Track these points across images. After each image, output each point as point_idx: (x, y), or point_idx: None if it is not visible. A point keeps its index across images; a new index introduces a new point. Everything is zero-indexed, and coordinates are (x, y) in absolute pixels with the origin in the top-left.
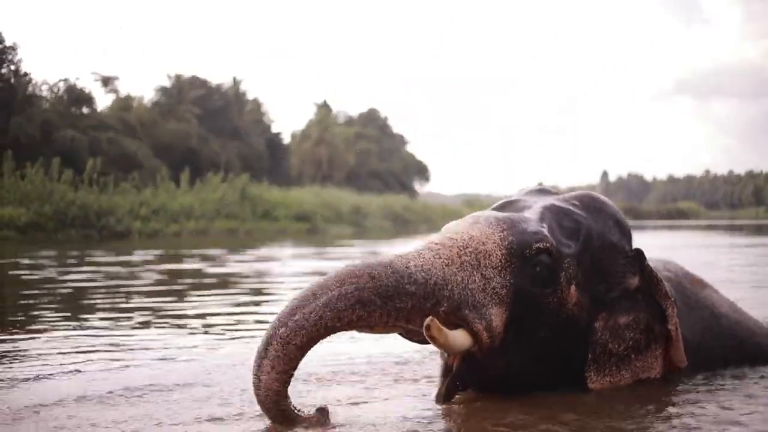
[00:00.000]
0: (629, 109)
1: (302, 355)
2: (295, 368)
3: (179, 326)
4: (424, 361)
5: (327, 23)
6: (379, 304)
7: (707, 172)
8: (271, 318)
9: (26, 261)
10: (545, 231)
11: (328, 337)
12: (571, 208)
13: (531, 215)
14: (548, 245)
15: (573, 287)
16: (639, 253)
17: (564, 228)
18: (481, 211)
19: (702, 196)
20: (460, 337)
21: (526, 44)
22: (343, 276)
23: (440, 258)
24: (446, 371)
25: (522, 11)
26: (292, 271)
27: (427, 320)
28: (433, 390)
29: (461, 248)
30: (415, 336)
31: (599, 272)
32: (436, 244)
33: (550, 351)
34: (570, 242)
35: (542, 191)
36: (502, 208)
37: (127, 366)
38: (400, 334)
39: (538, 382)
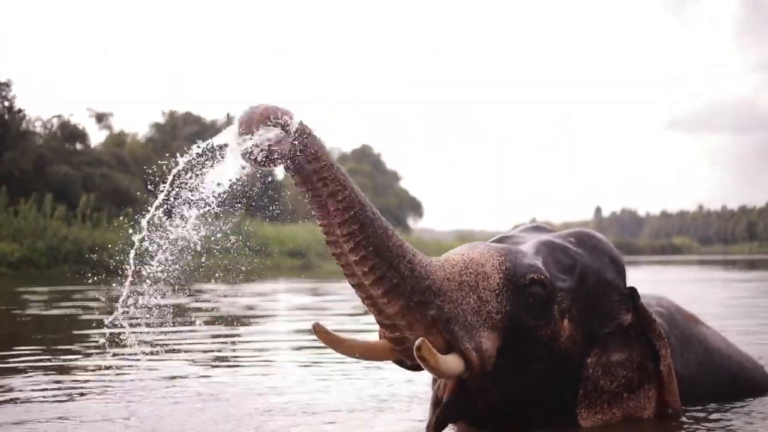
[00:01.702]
0: (623, 145)
1: None
2: None
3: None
4: (415, 395)
5: (320, 59)
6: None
7: (700, 207)
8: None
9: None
10: (539, 264)
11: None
12: (566, 244)
13: (527, 249)
14: (542, 277)
15: (566, 321)
16: (633, 291)
17: (559, 263)
18: (478, 241)
19: (695, 232)
20: (451, 361)
21: (515, 80)
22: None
23: (443, 270)
24: (437, 402)
25: (513, 45)
26: (285, 306)
27: (418, 341)
28: (424, 420)
29: (463, 268)
30: (409, 359)
31: (593, 308)
32: (442, 260)
33: (542, 383)
34: (565, 277)
35: (537, 228)
36: (498, 242)
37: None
38: (394, 361)
39: (529, 415)
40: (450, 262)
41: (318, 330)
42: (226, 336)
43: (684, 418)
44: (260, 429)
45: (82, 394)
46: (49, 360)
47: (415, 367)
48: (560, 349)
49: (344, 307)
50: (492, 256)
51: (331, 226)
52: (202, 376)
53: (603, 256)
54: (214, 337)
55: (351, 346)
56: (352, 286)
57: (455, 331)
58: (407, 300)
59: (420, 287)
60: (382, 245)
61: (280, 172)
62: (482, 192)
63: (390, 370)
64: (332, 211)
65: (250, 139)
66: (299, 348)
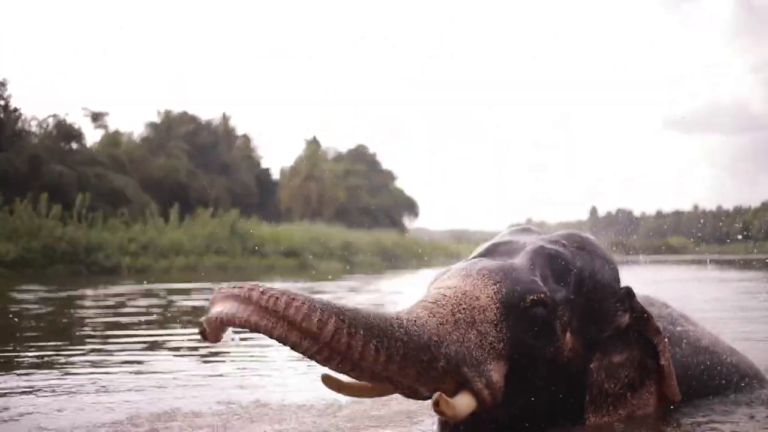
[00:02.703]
0: (622, 145)
1: None
2: None
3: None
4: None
5: (316, 60)
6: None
7: (696, 207)
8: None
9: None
10: (539, 281)
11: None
12: (559, 249)
13: (521, 262)
14: (542, 296)
15: (568, 334)
16: (628, 290)
17: (555, 272)
18: (471, 261)
19: (690, 231)
20: (465, 404)
21: (515, 81)
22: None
23: (435, 317)
24: (444, 423)
25: (513, 45)
26: None
27: (435, 396)
28: (415, 410)
29: (455, 305)
30: (412, 395)
31: (591, 313)
32: (430, 303)
33: (548, 398)
34: (562, 287)
35: (526, 230)
36: (489, 252)
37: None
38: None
39: (536, 426)
40: (439, 302)
41: (327, 380)
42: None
43: (677, 417)
44: (254, 422)
45: (69, 389)
46: (40, 357)
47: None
48: (564, 363)
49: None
50: (486, 285)
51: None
52: (192, 372)
53: (596, 258)
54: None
55: (362, 389)
56: (360, 377)
57: (465, 373)
58: (419, 364)
59: (423, 344)
60: (369, 322)
61: (275, 172)
62: (478, 191)
63: None
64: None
65: None
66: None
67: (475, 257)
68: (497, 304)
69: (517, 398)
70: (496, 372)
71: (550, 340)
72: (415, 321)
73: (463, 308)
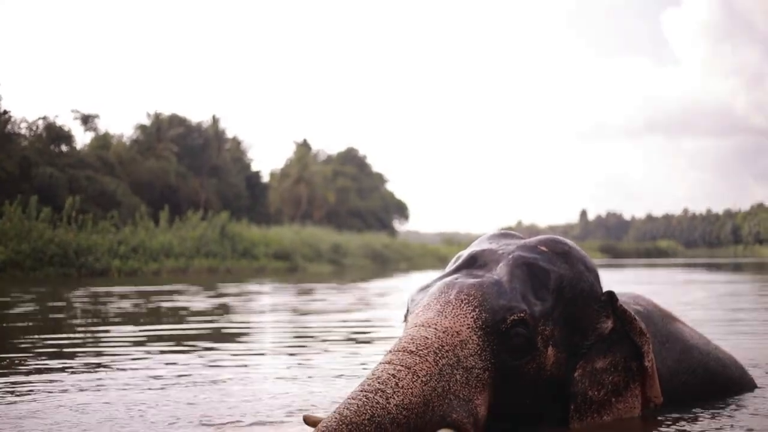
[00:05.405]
0: (607, 148)
1: None
2: None
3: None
4: None
5: (306, 62)
6: None
7: (686, 210)
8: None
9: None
10: (518, 298)
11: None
12: (537, 257)
13: (500, 275)
14: (522, 315)
15: (550, 348)
16: (610, 295)
17: (534, 284)
18: (450, 281)
19: (680, 235)
20: None
21: (504, 80)
22: None
23: (419, 378)
24: None
25: (504, 45)
26: (269, 304)
27: None
28: None
29: (437, 351)
30: None
31: (573, 322)
32: (412, 351)
33: (531, 411)
34: (542, 299)
35: (507, 235)
36: (468, 264)
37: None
38: None
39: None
40: (421, 352)
41: (308, 419)
42: (210, 331)
43: (662, 417)
44: (252, 420)
45: (61, 387)
46: (34, 358)
47: None
48: (547, 377)
49: (323, 306)
50: (466, 314)
51: None
52: (183, 372)
53: (576, 264)
54: (197, 332)
55: None
56: None
57: (453, 420)
58: None
59: (409, 428)
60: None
61: (265, 175)
62: (468, 194)
63: (373, 364)
64: None
65: None
66: (283, 345)
67: (453, 270)
68: (478, 333)
69: (499, 418)
70: (482, 404)
71: (532, 357)
72: (402, 402)
73: (446, 350)
